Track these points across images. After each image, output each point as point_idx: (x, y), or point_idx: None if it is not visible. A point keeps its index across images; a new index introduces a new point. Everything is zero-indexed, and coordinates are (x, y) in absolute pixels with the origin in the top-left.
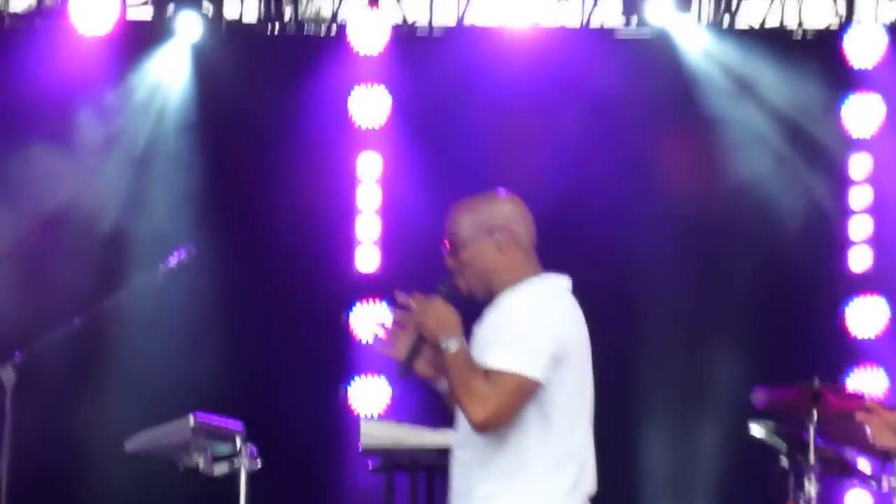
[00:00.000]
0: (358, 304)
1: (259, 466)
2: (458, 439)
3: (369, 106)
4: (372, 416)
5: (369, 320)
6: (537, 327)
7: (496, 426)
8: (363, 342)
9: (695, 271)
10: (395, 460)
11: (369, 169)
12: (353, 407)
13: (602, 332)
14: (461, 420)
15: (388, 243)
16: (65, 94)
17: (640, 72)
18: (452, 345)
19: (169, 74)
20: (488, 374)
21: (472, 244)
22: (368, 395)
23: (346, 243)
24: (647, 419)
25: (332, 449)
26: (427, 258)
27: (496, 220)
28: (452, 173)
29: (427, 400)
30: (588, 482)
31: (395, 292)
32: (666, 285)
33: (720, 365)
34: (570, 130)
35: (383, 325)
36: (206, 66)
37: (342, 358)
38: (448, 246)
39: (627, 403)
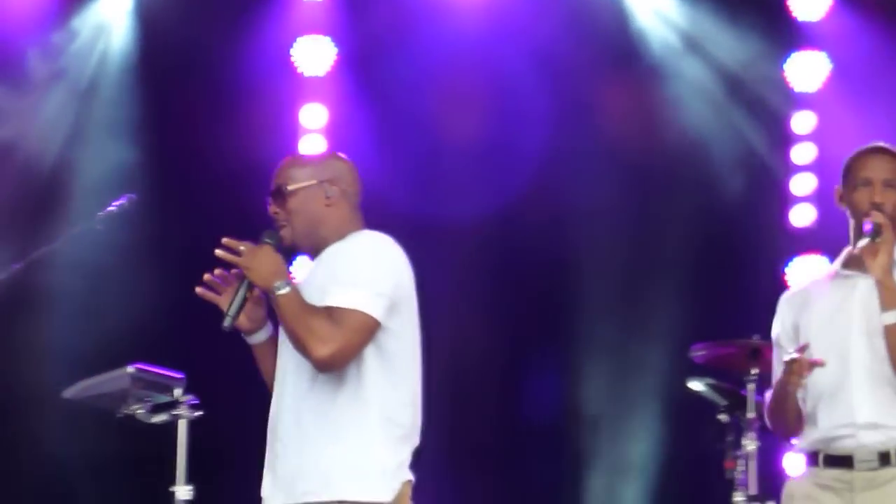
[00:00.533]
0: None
1: (198, 416)
2: (293, 391)
3: (314, 54)
4: None
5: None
6: (379, 270)
7: (340, 364)
8: None
9: (635, 225)
10: None
11: (314, 119)
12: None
13: (537, 282)
14: (294, 371)
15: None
16: (8, 35)
17: (586, 22)
18: (285, 287)
19: (112, 17)
20: (330, 312)
21: (301, 194)
22: None
23: None
24: (583, 375)
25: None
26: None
27: (327, 173)
28: (397, 122)
29: None
30: (417, 435)
31: (222, 239)
32: (604, 239)
33: (659, 319)
34: (515, 79)
35: (211, 274)
36: (149, 10)
37: None
38: (276, 195)
39: (561, 356)
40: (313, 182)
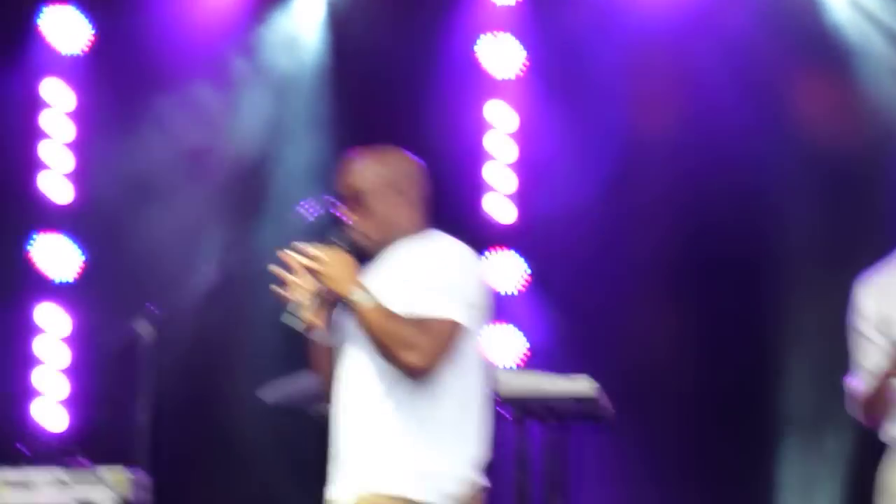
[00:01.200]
0: (489, 252)
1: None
2: (373, 393)
3: (503, 55)
4: (508, 366)
5: (504, 271)
6: (468, 276)
7: (432, 372)
8: (500, 293)
9: (833, 219)
10: (529, 409)
11: (502, 120)
12: (489, 356)
13: (736, 279)
14: (368, 375)
15: (523, 195)
16: (209, 37)
17: (779, 14)
18: (365, 297)
19: (304, 21)
20: (421, 320)
21: (377, 195)
22: (504, 345)
23: (475, 191)
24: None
25: None
26: (564, 212)
27: (400, 173)
28: (586, 120)
29: (561, 349)
30: (485, 444)
31: (292, 244)
32: (804, 234)
33: None
34: (707, 74)
35: (287, 268)
36: (340, 13)
37: None
38: (349, 197)
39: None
40: (385, 182)
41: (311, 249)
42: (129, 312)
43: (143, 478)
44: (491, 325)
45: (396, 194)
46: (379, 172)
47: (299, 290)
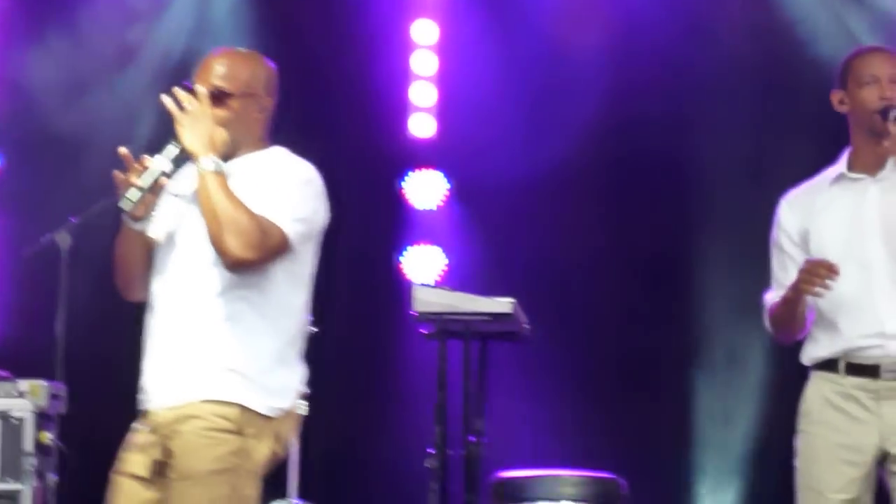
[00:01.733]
0: (412, 171)
1: (312, 331)
2: (207, 295)
3: None
4: (426, 283)
5: (425, 188)
6: (307, 197)
7: (250, 271)
8: (417, 209)
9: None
10: (448, 327)
11: (425, 35)
12: (407, 274)
13: (658, 192)
14: (205, 275)
15: (445, 111)
16: None
17: None
18: (215, 165)
19: None
20: (259, 217)
21: (241, 100)
22: (423, 263)
23: (400, 109)
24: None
25: (386, 317)
26: (486, 128)
27: (264, 83)
28: (510, 34)
29: (480, 266)
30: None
31: (173, 89)
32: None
33: None
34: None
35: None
36: None
37: (396, 225)
38: (212, 93)
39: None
40: (251, 89)
41: (186, 97)
42: (48, 222)
43: (60, 388)
44: (411, 243)
45: (256, 103)
46: (247, 78)
47: (141, 177)
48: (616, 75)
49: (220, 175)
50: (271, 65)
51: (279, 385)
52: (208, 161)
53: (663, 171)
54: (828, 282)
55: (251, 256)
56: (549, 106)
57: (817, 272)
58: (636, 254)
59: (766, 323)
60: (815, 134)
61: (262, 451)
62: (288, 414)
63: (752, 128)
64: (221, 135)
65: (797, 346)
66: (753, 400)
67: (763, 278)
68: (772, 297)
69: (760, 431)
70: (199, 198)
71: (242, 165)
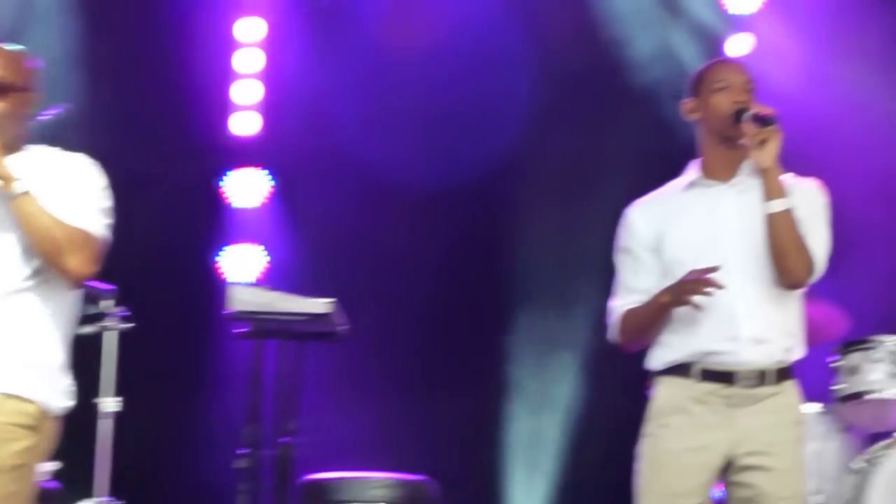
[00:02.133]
0: (232, 170)
1: (128, 327)
2: (8, 289)
3: None
4: (242, 282)
5: (245, 186)
6: (99, 188)
7: (85, 281)
8: (238, 208)
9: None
10: (264, 326)
11: (250, 32)
12: (224, 273)
13: (474, 207)
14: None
15: (268, 108)
16: None
17: None
18: (24, 187)
19: None
20: (80, 230)
21: (20, 95)
22: (242, 262)
23: (223, 107)
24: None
25: (202, 316)
26: (310, 126)
27: (36, 78)
28: (337, 33)
29: (302, 268)
30: None
31: None
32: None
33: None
34: None
35: None
36: None
37: (214, 224)
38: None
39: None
40: (28, 83)
41: None
42: None
43: None
44: (231, 242)
45: (29, 99)
46: (22, 72)
47: None
48: (440, 76)
49: (32, 195)
50: (37, 61)
51: (66, 384)
52: (19, 185)
53: (485, 169)
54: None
55: (93, 269)
56: (375, 104)
57: (704, 282)
58: (456, 256)
59: (614, 330)
60: (638, 138)
61: (46, 448)
62: (64, 413)
63: (575, 128)
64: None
65: (609, 345)
66: (564, 403)
67: (578, 279)
68: (623, 303)
69: (572, 431)
70: (20, 220)
71: (22, 164)
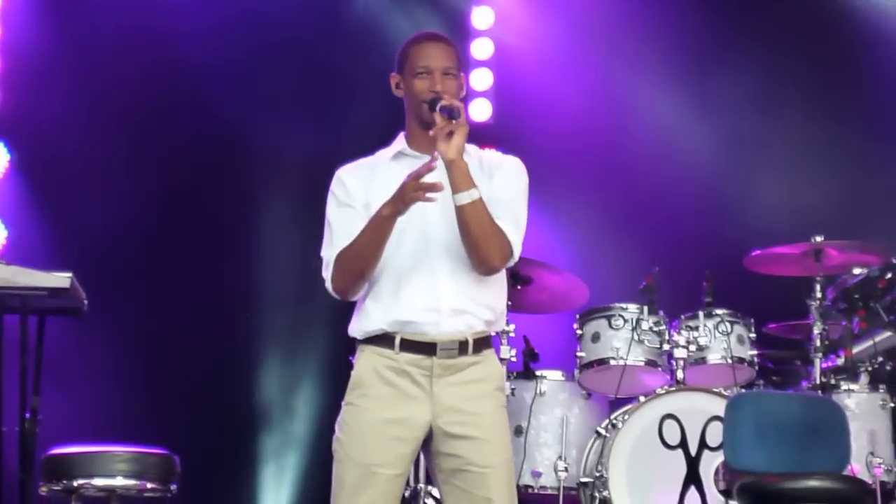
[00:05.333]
0: None
1: None
2: None
3: None
4: None
5: None
6: None
7: None
8: None
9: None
10: (4, 302)
11: None
12: None
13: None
14: None
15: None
16: None
17: None
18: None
19: None
20: None
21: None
22: None
23: None
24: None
25: None
26: (49, 100)
27: None
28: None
29: (41, 242)
30: None
31: None
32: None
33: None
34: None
35: None
36: None
37: None
38: None
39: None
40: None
41: None
42: None
43: None
44: None
45: None
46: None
47: None
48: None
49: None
50: None
51: None
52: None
53: (229, 150)
54: (393, 254)
55: None
56: (110, 83)
57: (424, 185)
58: (200, 234)
59: (332, 274)
60: (372, 115)
61: None
62: None
63: (310, 113)
64: None
65: None
66: (315, 381)
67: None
68: (336, 250)
69: (322, 411)
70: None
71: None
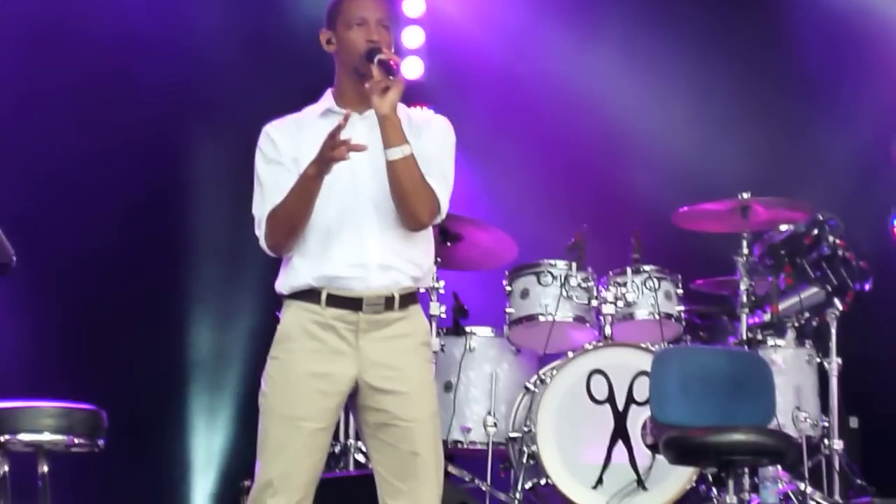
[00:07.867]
0: None
1: None
2: None
3: None
4: None
5: None
6: None
7: None
8: None
9: None
10: None
11: None
12: None
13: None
14: None
15: None
16: None
17: None
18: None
19: None
20: None
21: None
22: None
23: None
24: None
25: None
26: None
27: None
28: None
29: None
30: None
31: None
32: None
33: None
34: None
35: None
36: None
37: None
38: None
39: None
40: None
41: None
42: None
43: None
44: None
45: None
46: None
47: None
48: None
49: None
50: None
51: None
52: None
53: (157, 106)
54: (322, 208)
55: None
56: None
57: (345, 145)
58: (130, 188)
59: (265, 232)
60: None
61: None
62: None
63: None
64: None
65: None
66: (248, 338)
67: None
68: (268, 207)
69: (253, 365)
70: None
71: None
